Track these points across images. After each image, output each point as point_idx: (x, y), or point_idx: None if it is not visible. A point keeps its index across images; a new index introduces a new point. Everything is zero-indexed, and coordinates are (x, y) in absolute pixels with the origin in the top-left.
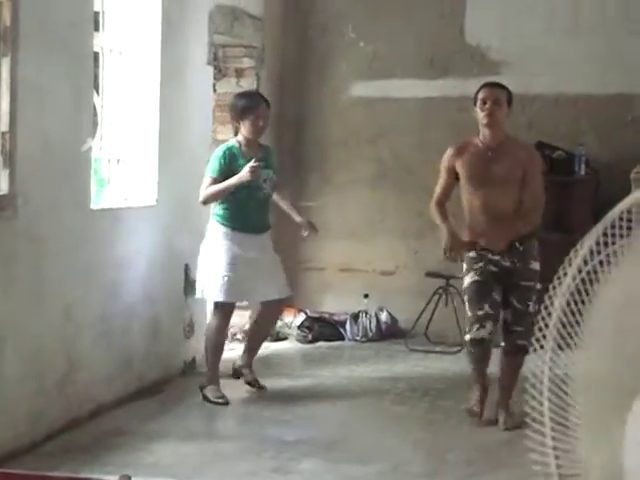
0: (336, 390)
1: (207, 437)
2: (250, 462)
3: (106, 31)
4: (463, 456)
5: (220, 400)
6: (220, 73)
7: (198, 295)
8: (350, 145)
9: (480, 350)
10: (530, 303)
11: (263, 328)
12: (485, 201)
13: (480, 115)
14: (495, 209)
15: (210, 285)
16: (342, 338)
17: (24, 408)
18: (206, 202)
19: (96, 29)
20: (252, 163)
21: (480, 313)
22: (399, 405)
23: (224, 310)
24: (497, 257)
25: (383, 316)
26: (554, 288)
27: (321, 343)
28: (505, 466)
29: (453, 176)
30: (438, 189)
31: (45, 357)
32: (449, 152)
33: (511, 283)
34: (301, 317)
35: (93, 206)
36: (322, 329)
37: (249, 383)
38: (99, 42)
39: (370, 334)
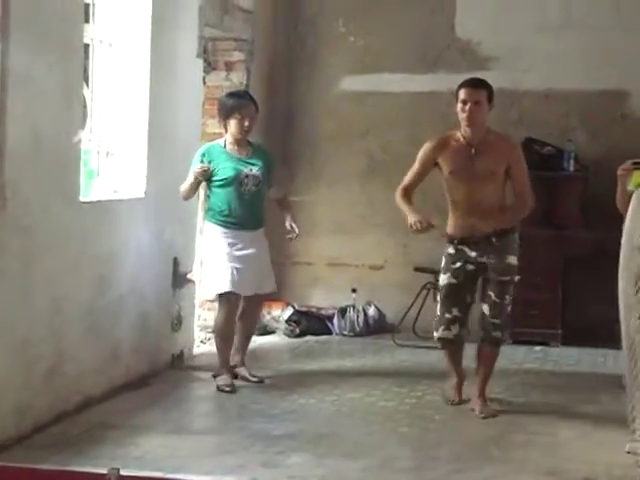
0: (323, 385)
1: (195, 431)
2: (238, 456)
3: (96, 23)
4: (450, 451)
5: (226, 388)
6: (210, 66)
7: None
8: (340, 139)
9: (450, 347)
10: (507, 296)
11: (248, 323)
12: (469, 196)
13: (460, 115)
14: (479, 203)
15: (213, 279)
16: (329, 332)
17: (11, 400)
18: (184, 198)
19: (86, 21)
20: (202, 165)
21: (448, 316)
22: (386, 400)
23: (229, 301)
24: (474, 254)
25: (371, 311)
26: None
27: (308, 337)
28: (492, 461)
29: (428, 169)
30: (408, 177)
31: (33, 349)
32: (429, 145)
33: (488, 278)
34: (289, 311)
35: (82, 198)
36: (310, 323)
37: (245, 379)
38: (89, 34)
39: (357, 329)
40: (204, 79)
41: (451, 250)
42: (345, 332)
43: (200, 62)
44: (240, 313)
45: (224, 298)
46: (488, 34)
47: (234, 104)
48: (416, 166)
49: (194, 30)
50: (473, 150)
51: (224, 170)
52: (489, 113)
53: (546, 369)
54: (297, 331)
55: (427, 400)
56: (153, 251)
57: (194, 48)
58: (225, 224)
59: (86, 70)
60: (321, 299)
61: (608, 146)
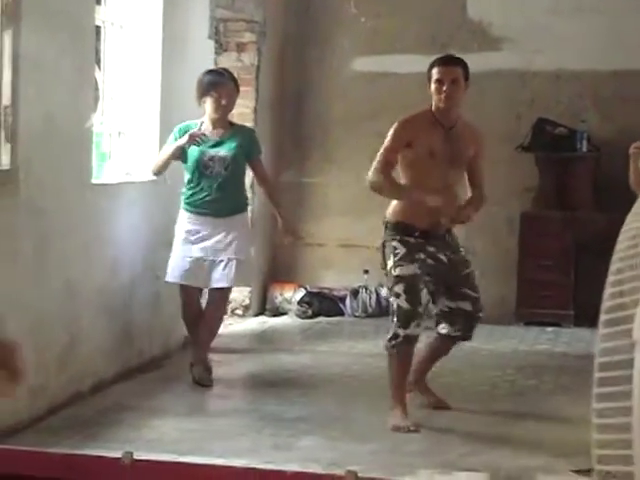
0: (336, 367)
1: (208, 414)
2: (250, 439)
3: (108, 5)
4: (462, 434)
5: (203, 382)
6: (221, 47)
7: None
8: (351, 121)
9: (408, 351)
10: (478, 288)
11: (207, 316)
12: (442, 182)
13: (436, 96)
14: (448, 191)
15: (169, 266)
16: (342, 314)
17: (24, 382)
18: (155, 172)
19: (98, 3)
20: (196, 130)
21: (420, 310)
22: None
23: (182, 289)
24: (433, 249)
25: (383, 292)
26: None
27: (321, 318)
28: (504, 444)
29: (402, 149)
30: (388, 156)
31: (46, 331)
32: (403, 124)
33: (457, 276)
34: (301, 292)
35: (94, 181)
36: (322, 305)
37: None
38: (101, 16)
39: (370, 310)
40: (215, 60)
41: (412, 240)
42: (357, 313)
43: (211, 43)
44: (205, 305)
45: (179, 286)
46: (499, 15)
47: (210, 81)
48: (392, 147)
49: (205, 11)
50: (448, 133)
51: (190, 152)
52: (465, 93)
53: (558, 350)
54: (309, 312)
55: (439, 382)
56: (165, 233)
57: (205, 29)
58: (191, 209)
59: (98, 52)
60: (333, 280)
61: (620, 127)
